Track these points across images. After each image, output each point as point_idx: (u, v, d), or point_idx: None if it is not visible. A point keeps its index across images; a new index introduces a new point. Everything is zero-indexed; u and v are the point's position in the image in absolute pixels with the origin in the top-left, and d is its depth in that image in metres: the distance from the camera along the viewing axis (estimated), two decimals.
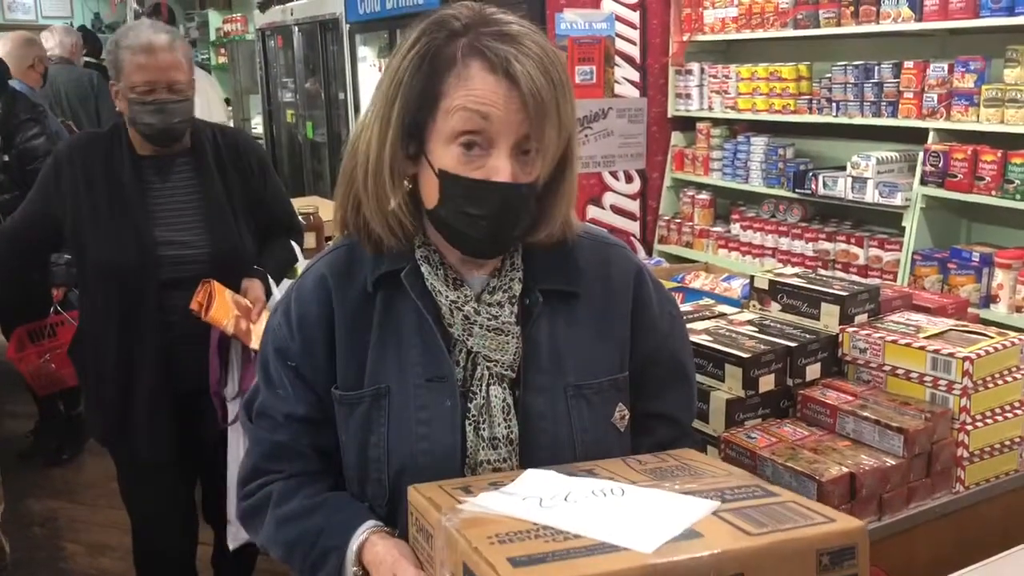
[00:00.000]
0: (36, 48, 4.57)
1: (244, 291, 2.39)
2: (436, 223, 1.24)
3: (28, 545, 3.47)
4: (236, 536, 2.43)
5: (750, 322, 1.96)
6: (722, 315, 2.05)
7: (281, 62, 7.91)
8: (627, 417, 1.33)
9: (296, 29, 7.28)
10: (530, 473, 1.16)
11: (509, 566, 0.92)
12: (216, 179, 2.39)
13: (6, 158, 3.76)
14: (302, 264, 2.52)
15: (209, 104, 7.03)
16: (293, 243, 2.51)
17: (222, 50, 9.85)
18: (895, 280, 3.65)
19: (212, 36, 9.91)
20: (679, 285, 2.60)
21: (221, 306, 2.27)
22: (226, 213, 2.39)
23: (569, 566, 0.93)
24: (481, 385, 1.24)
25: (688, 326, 1.93)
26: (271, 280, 2.42)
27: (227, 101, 8.66)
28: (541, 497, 1.08)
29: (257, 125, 8.81)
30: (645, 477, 1.15)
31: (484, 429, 1.24)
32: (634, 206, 4.79)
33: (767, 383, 1.78)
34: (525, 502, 1.07)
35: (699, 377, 1.81)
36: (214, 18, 9.81)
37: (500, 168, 1.15)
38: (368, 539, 1.19)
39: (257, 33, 8.19)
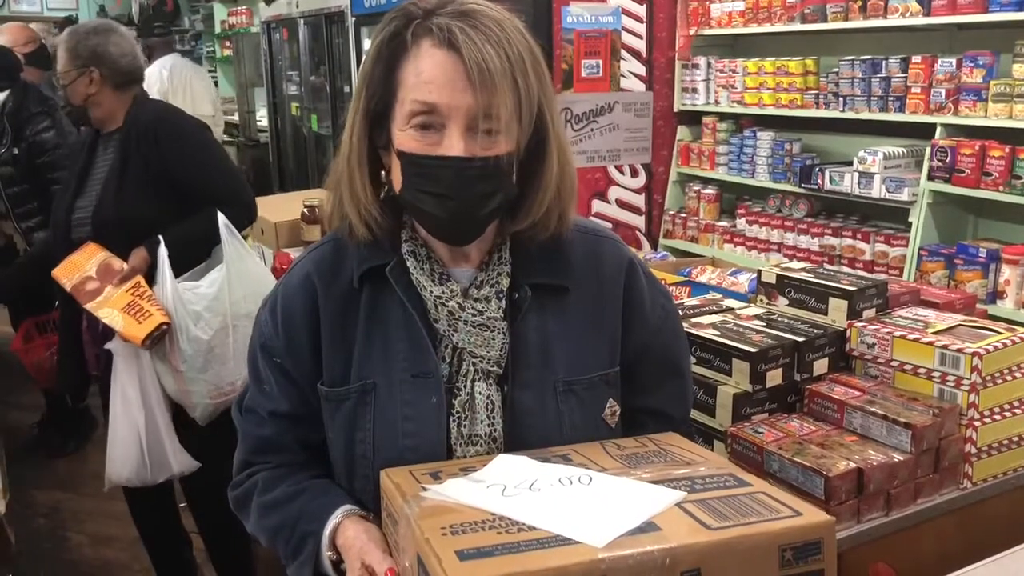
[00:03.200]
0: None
1: (130, 257, 2.54)
2: (406, 208, 1.22)
3: (33, 536, 3.48)
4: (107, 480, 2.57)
5: (757, 316, 1.95)
6: (729, 309, 2.04)
7: (286, 55, 7.90)
8: (617, 413, 1.31)
9: (301, 22, 7.27)
10: (501, 459, 1.16)
11: (456, 559, 0.92)
12: (118, 153, 2.58)
13: (16, 151, 3.73)
14: (227, 239, 2.51)
15: (194, 96, 6.97)
16: (221, 216, 2.52)
17: (227, 43, 9.82)
18: (901, 276, 3.64)
19: (217, 28, 9.89)
20: (686, 279, 2.59)
21: (67, 264, 2.51)
22: (113, 184, 2.56)
23: (515, 560, 0.92)
24: (466, 381, 1.23)
25: (695, 320, 1.93)
26: (163, 248, 2.47)
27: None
28: (505, 485, 1.07)
29: (262, 118, 8.79)
30: (619, 463, 1.14)
31: (466, 426, 1.23)
32: (639, 200, 4.78)
33: (774, 378, 1.78)
34: (489, 490, 1.06)
35: (706, 371, 1.81)
36: (219, 10, 9.78)
37: (453, 144, 1.13)
38: (341, 523, 1.19)
39: (262, 26, 8.16)
